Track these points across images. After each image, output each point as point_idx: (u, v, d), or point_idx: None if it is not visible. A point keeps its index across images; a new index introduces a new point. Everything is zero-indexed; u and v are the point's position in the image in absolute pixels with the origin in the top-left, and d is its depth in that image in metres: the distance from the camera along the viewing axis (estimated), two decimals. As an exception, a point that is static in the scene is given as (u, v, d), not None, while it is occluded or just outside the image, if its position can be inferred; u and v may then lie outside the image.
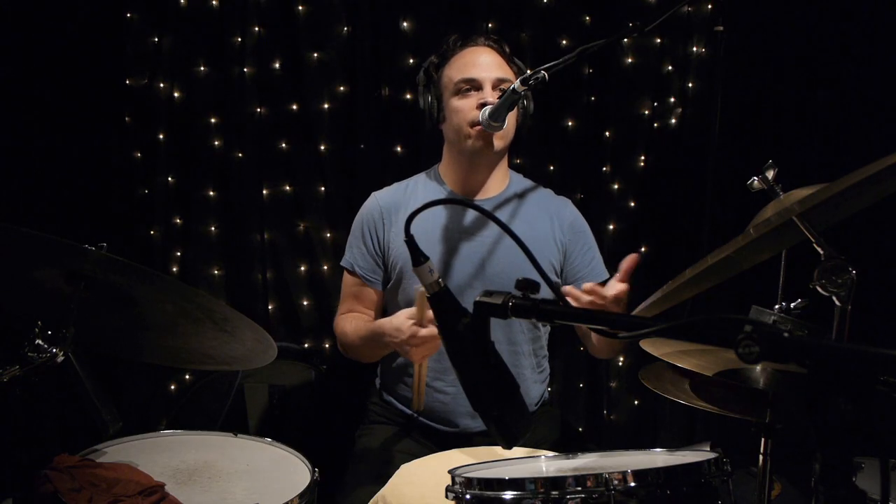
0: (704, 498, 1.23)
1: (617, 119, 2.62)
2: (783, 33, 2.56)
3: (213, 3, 2.55)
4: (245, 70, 2.56)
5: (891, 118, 2.41)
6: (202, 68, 2.58)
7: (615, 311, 1.63)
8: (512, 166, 2.08)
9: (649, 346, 1.51)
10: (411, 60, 2.55)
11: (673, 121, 2.63)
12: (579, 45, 1.82)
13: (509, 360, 1.35)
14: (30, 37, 2.37)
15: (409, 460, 1.65)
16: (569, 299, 1.61)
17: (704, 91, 2.58)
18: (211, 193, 2.62)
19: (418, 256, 1.06)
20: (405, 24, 2.55)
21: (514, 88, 1.75)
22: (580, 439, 2.60)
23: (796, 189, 1.29)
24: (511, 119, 1.87)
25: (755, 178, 1.35)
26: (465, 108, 1.87)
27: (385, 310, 2.05)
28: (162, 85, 2.57)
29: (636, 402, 2.69)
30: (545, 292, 0.97)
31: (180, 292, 1.48)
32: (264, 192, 2.62)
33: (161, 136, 2.58)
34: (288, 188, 2.64)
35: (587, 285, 1.64)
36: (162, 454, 1.66)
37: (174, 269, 2.63)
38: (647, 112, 2.61)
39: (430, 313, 1.66)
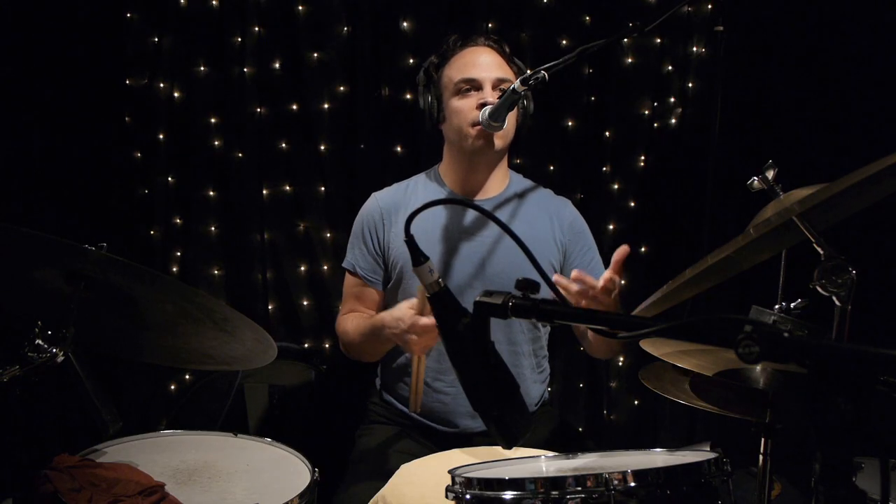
0: (704, 498, 1.23)
1: (617, 119, 2.63)
2: (783, 33, 2.56)
3: (213, 3, 2.55)
4: (245, 70, 2.56)
5: (891, 118, 2.41)
6: (202, 68, 2.58)
7: (607, 302, 1.62)
8: (512, 166, 2.08)
9: (649, 346, 1.51)
10: (411, 60, 2.55)
11: (673, 121, 2.63)
12: (579, 45, 1.82)
13: (509, 360, 1.35)
14: (30, 37, 2.37)
15: (409, 460, 1.65)
16: (560, 289, 1.60)
17: (704, 91, 2.58)
18: (211, 193, 2.62)
19: (418, 256, 1.06)
20: (405, 24, 2.55)
21: (514, 88, 1.75)
22: (580, 439, 2.60)
23: (796, 189, 1.29)
24: (511, 119, 1.87)
25: (755, 178, 1.35)
26: (466, 108, 1.87)
27: (385, 309, 2.05)
28: (162, 85, 2.57)
29: (636, 402, 2.69)
30: (545, 292, 0.97)
31: (180, 292, 1.48)
32: (264, 192, 2.62)
33: (161, 136, 2.59)
34: (288, 188, 2.64)
35: (575, 272, 1.61)
36: (162, 454, 1.66)
37: (174, 269, 2.63)
38: (647, 112, 2.62)
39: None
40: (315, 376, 2.50)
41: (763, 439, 1.45)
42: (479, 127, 1.84)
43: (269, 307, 2.64)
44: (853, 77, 2.51)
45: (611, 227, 2.64)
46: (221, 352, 1.64)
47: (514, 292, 0.96)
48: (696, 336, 0.87)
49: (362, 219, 2.02)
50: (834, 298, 1.12)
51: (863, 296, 1.12)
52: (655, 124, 2.62)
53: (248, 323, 1.51)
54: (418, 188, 2.03)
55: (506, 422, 1.03)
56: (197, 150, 2.60)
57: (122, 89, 2.56)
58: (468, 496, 1.22)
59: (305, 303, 2.64)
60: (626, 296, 1.92)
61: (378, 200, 2.02)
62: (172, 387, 2.61)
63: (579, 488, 1.17)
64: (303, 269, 2.65)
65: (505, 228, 1.06)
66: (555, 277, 1.65)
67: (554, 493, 1.17)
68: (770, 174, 1.34)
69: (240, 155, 2.61)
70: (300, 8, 2.56)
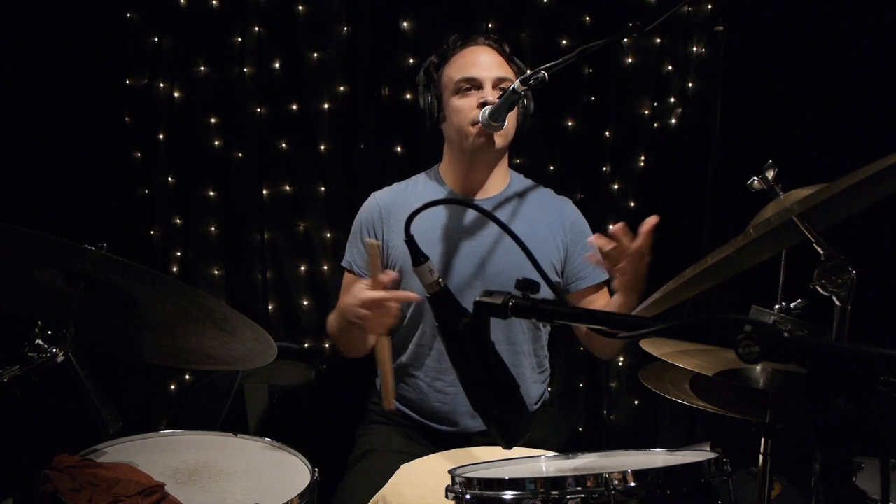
0: (704, 498, 1.23)
1: (617, 119, 2.62)
2: (783, 33, 2.56)
3: (213, 3, 2.55)
4: (245, 70, 2.56)
5: (891, 118, 2.40)
6: (202, 68, 2.58)
7: (641, 271, 1.68)
8: (512, 166, 2.08)
9: (649, 346, 1.51)
10: (411, 60, 2.55)
11: (673, 121, 2.63)
12: (579, 45, 1.82)
13: (509, 360, 1.35)
14: (30, 37, 2.37)
15: (409, 460, 1.65)
16: (598, 245, 1.67)
17: (704, 91, 2.58)
18: (211, 193, 2.62)
19: (418, 256, 1.06)
20: (405, 24, 2.55)
21: (514, 88, 1.75)
22: (580, 439, 2.60)
23: (796, 189, 1.29)
24: (511, 119, 1.87)
25: (755, 178, 1.35)
26: (466, 108, 1.87)
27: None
28: (162, 85, 2.57)
29: (636, 402, 2.69)
30: (545, 292, 0.97)
31: (180, 292, 1.48)
32: (264, 192, 2.62)
33: (161, 136, 2.59)
34: (288, 188, 2.64)
35: (619, 226, 1.67)
36: (162, 454, 1.66)
37: (174, 269, 2.63)
38: (647, 112, 2.61)
39: (388, 275, 1.61)
40: (315, 376, 2.50)
41: (763, 439, 1.45)
42: (479, 126, 1.84)
43: (269, 307, 2.64)
44: (853, 77, 2.50)
45: (611, 227, 2.62)
46: (221, 352, 1.64)
47: (514, 292, 0.96)
48: (696, 336, 0.87)
49: (361, 218, 2.02)
50: (834, 298, 1.12)
51: (863, 296, 1.12)
52: (655, 124, 2.62)
53: (248, 323, 1.51)
54: (418, 188, 2.03)
55: (506, 422, 1.03)
56: (197, 150, 2.60)
57: (122, 89, 2.55)
58: (468, 496, 1.22)
59: (305, 303, 2.65)
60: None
61: (377, 200, 2.02)
62: (172, 387, 2.61)
63: (579, 488, 1.17)
64: (303, 269, 2.65)
65: (505, 228, 1.06)
66: (593, 238, 1.70)
67: (554, 493, 1.17)
68: (770, 174, 1.34)
69: (240, 155, 2.61)
70: (300, 8, 2.56)
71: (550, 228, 1.98)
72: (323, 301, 2.63)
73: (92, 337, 1.52)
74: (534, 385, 2.01)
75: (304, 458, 1.67)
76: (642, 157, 2.64)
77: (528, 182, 2.07)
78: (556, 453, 1.54)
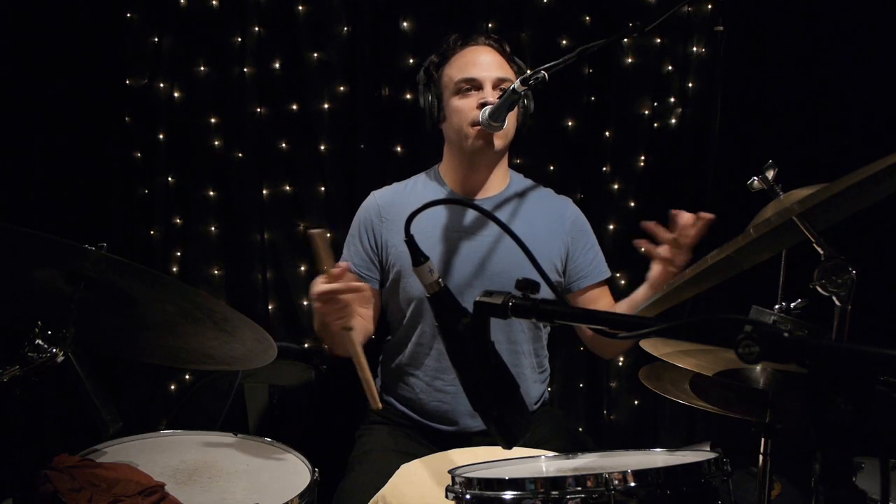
0: (704, 498, 1.23)
1: (617, 119, 2.62)
2: (783, 33, 2.56)
3: (213, 3, 2.55)
4: (245, 70, 2.56)
5: (891, 118, 2.40)
6: (202, 68, 2.58)
7: (686, 258, 1.72)
8: (512, 166, 2.08)
9: (649, 346, 1.51)
10: (411, 60, 2.55)
11: (673, 121, 2.63)
12: (579, 45, 1.82)
13: (509, 360, 1.35)
14: (30, 37, 2.37)
15: (409, 460, 1.65)
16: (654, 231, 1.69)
17: (704, 91, 2.58)
18: (211, 193, 2.62)
19: (418, 256, 1.06)
20: (405, 24, 2.55)
21: (514, 88, 1.75)
22: (580, 439, 2.60)
23: (796, 189, 1.29)
24: (511, 119, 1.87)
25: (755, 178, 1.35)
26: (466, 108, 1.87)
27: (384, 310, 2.05)
28: (162, 85, 2.57)
29: (636, 402, 2.69)
30: (545, 292, 0.97)
31: (180, 292, 1.48)
32: (264, 192, 2.61)
33: (161, 136, 2.58)
34: (288, 188, 2.64)
35: (688, 217, 1.69)
36: (162, 454, 1.66)
37: (174, 269, 2.63)
38: (647, 112, 2.61)
39: (339, 267, 1.52)
40: (315, 376, 2.50)
41: (763, 439, 1.45)
42: (479, 127, 1.84)
43: (269, 307, 2.64)
44: (853, 77, 2.50)
45: (611, 227, 2.63)
46: (221, 352, 1.64)
47: (514, 292, 0.96)
48: (696, 336, 0.87)
49: (360, 216, 2.02)
50: (834, 298, 1.12)
51: (863, 296, 1.12)
52: (655, 124, 2.62)
53: (248, 323, 1.51)
54: (418, 188, 2.03)
55: (506, 422, 1.03)
56: (197, 150, 2.60)
57: (122, 89, 2.55)
58: (468, 496, 1.22)
59: (305, 303, 2.64)
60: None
61: (377, 199, 2.02)
62: (172, 387, 2.61)
63: (579, 488, 1.17)
64: (303, 269, 2.65)
65: (505, 228, 1.06)
66: (648, 223, 1.72)
67: (554, 493, 1.17)
68: (770, 174, 1.34)
69: (240, 155, 2.61)
70: (300, 8, 2.56)
71: (550, 228, 1.98)
72: (323, 301, 2.63)
73: (92, 337, 1.52)
74: (534, 385, 2.01)
75: (304, 458, 1.67)
76: (642, 157, 2.63)
77: (528, 182, 2.07)
78: (556, 453, 1.54)
